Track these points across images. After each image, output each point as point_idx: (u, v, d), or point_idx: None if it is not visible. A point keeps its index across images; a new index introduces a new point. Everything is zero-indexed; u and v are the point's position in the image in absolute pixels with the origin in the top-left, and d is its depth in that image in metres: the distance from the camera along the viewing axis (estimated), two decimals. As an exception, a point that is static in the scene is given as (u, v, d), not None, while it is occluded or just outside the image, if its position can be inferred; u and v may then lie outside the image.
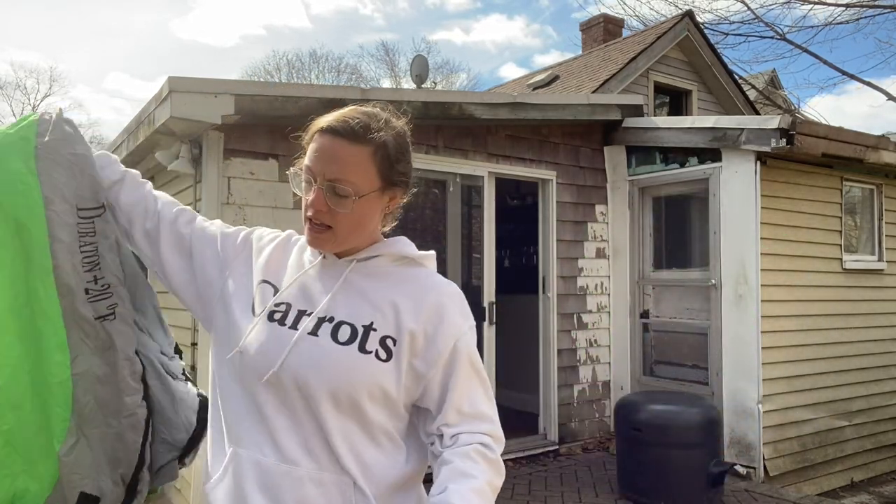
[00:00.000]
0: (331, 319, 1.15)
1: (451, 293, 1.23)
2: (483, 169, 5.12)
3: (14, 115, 30.83)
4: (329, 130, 1.15)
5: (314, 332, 1.13)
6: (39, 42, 43.19)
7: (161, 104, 3.73)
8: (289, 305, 1.18)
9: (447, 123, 4.85)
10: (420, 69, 9.13)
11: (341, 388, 1.10)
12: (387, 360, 1.13)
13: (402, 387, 1.15)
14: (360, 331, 1.14)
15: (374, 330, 1.14)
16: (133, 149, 4.44)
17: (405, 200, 1.27)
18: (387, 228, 1.30)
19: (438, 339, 1.16)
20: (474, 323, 1.25)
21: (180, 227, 1.32)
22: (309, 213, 1.16)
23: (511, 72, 48.38)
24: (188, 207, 1.36)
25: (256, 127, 4.06)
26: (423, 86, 9.15)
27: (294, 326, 1.15)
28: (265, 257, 1.27)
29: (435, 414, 1.17)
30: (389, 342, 1.14)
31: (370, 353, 1.12)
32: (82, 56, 46.60)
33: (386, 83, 30.37)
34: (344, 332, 1.14)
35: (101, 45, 47.04)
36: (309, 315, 1.16)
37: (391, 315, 1.16)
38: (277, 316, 1.17)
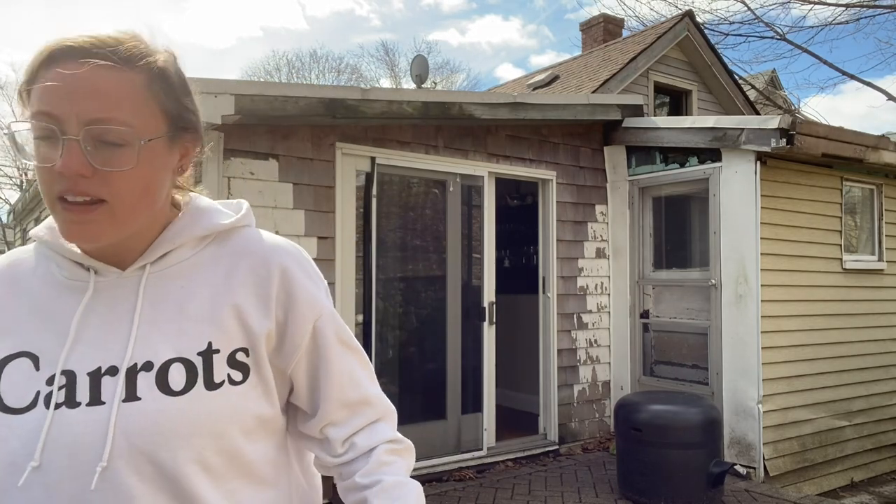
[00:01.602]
0: (148, 366, 0.78)
1: (293, 254, 0.91)
2: (483, 169, 5.12)
3: (14, 115, 30.77)
4: (71, 52, 0.75)
5: (133, 396, 0.76)
6: (35, 42, 43.22)
7: (161, 104, 3.74)
8: (71, 375, 0.77)
9: (447, 123, 4.85)
10: (420, 69, 9.14)
11: (208, 448, 0.78)
12: (244, 380, 0.83)
13: (274, 395, 0.87)
14: (199, 362, 0.80)
15: (217, 351, 0.82)
16: (133, 149, 4.45)
17: (200, 155, 0.91)
18: (186, 197, 0.92)
19: (293, 326, 0.87)
20: (327, 283, 0.95)
21: None
22: (62, 187, 0.75)
23: (508, 72, 48.57)
24: None
25: (256, 127, 4.06)
26: (423, 86, 9.15)
27: (96, 400, 0.76)
28: None
29: (311, 413, 0.91)
30: (241, 356, 0.83)
31: (221, 383, 0.81)
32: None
33: (385, 83, 30.39)
34: (177, 375, 0.79)
35: (99, 45, 47.13)
36: (110, 374, 0.78)
37: (233, 322, 0.83)
38: (61, 397, 0.76)
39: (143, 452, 0.75)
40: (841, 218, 5.44)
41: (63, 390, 0.77)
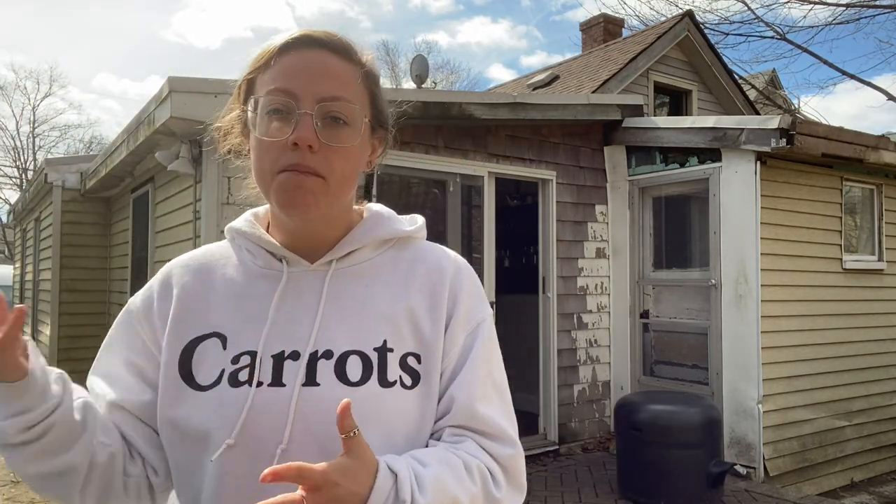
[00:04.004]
0: (328, 354, 0.81)
1: (463, 265, 0.94)
2: (483, 169, 5.12)
3: (14, 115, 30.85)
4: (303, 41, 0.84)
5: (312, 381, 0.79)
6: (28, 44, 43.35)
7: (161, 104, 3.74)
8: (252, 354, 0.81)
9: (447, 123, 4.85)
10: (420, 69, 9.13)
11: (374, 444, 0.74)
12: (413, 387, 0.83)
13: (433, 413, 0.85)
14: (374, 357, 0.82)
15: (391, 350, 0.83)
16: (133, 148, 4.44)
17: (383, 156, 0.95)
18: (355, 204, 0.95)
19: (455, 325, 0.88)
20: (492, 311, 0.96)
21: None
22: (289, 160, 0.80)
23: (499, 73, 48.86)
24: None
25: (256, 127, 4.06)
26: (423, 86, 9.15)
27: (278, 382, 0.80)
28: (181, 304, 0.88)
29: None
30: (412, 361, 0.84)
31: (393, 383, 0.81)
32: (70, 58, 46.94)
33: (384, 83, 30.41)
34: (354, 367, 0.81)
35: (87, 47, 47.36)
36: (293, 358, 0.81)
37: (406, 324, 0.86)
38: (244, 376, 0.80)
39: (317, 440, 0.77)
40: (841, 218, 5.44)
41: (244, 370, 0.81)
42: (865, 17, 11.16)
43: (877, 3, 11.01)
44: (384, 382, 0.81)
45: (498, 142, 5.21)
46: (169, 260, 0.97)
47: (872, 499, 5.17)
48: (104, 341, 0.93)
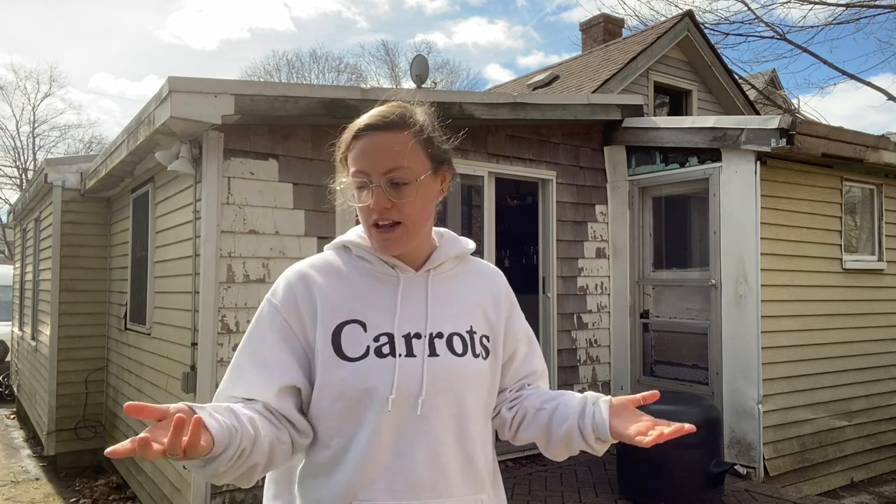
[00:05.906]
0: (440, 335, 1.18)
1: (504, 278, 1.37)
2: (483, 169, 5.12)
3: (14, 115, 30.85)
4: (367, 128, 1.16)
5: (434, 353, 1.16)
6: (28, 44, 43.35)
7: (161, 104, 3.73)
8: (390, 336, 1.15)
9: (447, 123, 4.84)
10: (420, 69, 9.13)
11: (476, 395, 1.19)
12: (486, 358, 1.22)
13: (498, 375, 1.27)
14: (468, 338, 1.21)
15: (475, 332, 1.22)
16: (133, 148, 4.44)
17: (454, 179, 1.28)
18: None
19: (515, 324, 1.31)
20: None
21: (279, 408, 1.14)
22: (374, 217, 1.15)
23: (496, 74, 48.97)
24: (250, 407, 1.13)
25: (256, 127, 4.06)
26: (422, 86, 9.15)
27: (411, 354, 1.15)
28: (325, 299, 1.18)
29: (510, 383, 1.32)
30: (485, 340, 1.24)
31: (479, 356, 1.20)
32: (68, 58, 46.97)
33: (384, 83, 30.36)
34: (457, 343, 1.19)
35: (85, 47, 47.38)
36: (417, 337, 1.16)
37: (480, 314, 1.25)
38: (386, 350, 1.14)
39: (441, 391, 1.14)
40: (841, 218, 5.44)
41: (386, 347, 1.14)
42: (865, 17, 11.16)
43: (877, 3, 11.01)
44: (475, 354, 1.20)
45: (498, 142, 5.21)
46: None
47: (872, 499, 5.17)
48: (250, 333, 1.19)
